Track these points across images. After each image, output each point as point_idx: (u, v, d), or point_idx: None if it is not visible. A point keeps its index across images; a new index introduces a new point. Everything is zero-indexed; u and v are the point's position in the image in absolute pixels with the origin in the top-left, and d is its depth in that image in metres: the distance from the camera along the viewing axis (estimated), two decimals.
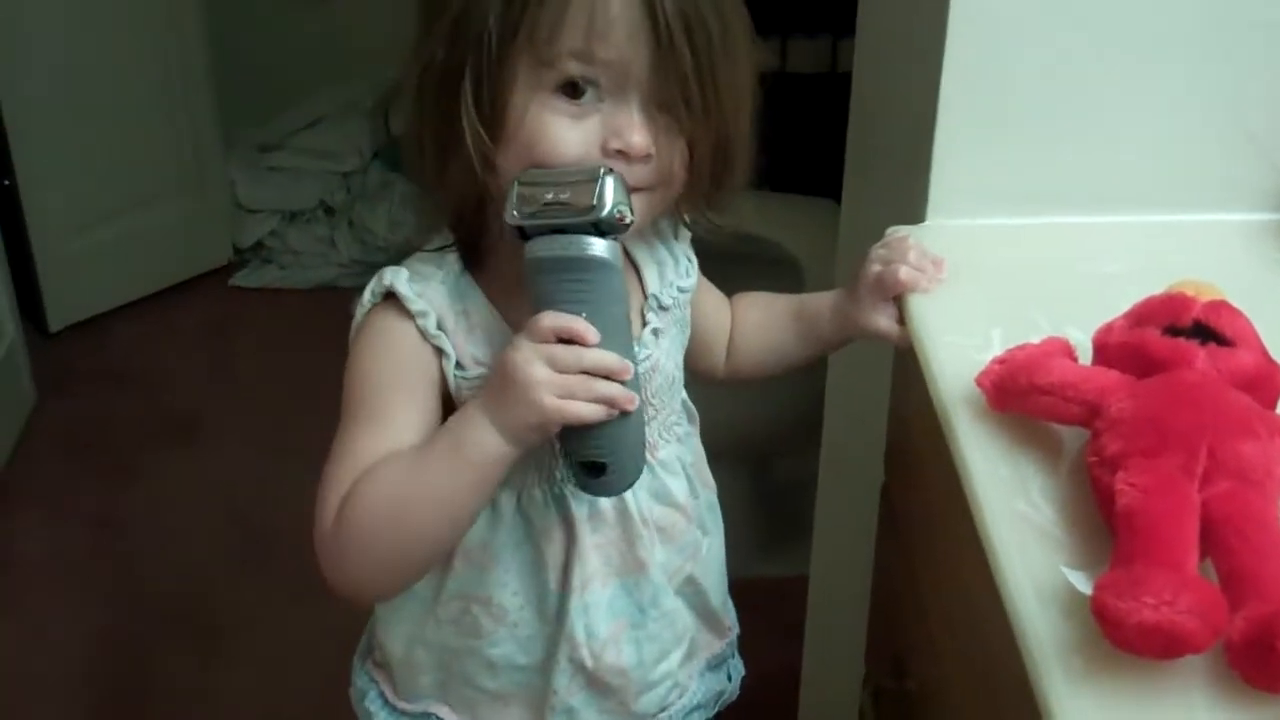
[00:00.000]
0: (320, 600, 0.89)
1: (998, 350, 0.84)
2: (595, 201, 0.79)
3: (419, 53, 0.83)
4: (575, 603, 0.94)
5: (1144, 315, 0.82)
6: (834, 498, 1.48)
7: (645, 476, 0.87)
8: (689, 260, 0.99)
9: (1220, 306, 0.81)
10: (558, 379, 0.79)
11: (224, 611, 2.07)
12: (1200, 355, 0.77)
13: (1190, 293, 0.83)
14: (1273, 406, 0.78)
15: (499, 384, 0.81)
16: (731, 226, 0.92)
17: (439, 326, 0.87)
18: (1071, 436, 0.80)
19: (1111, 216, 1.06)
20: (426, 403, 0.87)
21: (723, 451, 1.07)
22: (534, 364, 0.79)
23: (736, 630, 1.10)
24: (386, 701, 1.02)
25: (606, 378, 0.80)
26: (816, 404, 1.44)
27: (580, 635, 0.95)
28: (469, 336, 0.88)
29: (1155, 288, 0.85)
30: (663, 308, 0.95)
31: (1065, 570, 0.70)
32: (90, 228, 2.67)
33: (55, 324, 2.70)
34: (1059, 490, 0.77)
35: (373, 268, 0.91)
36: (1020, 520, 0.75)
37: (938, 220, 1.06)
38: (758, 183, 0.90)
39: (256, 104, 3.04)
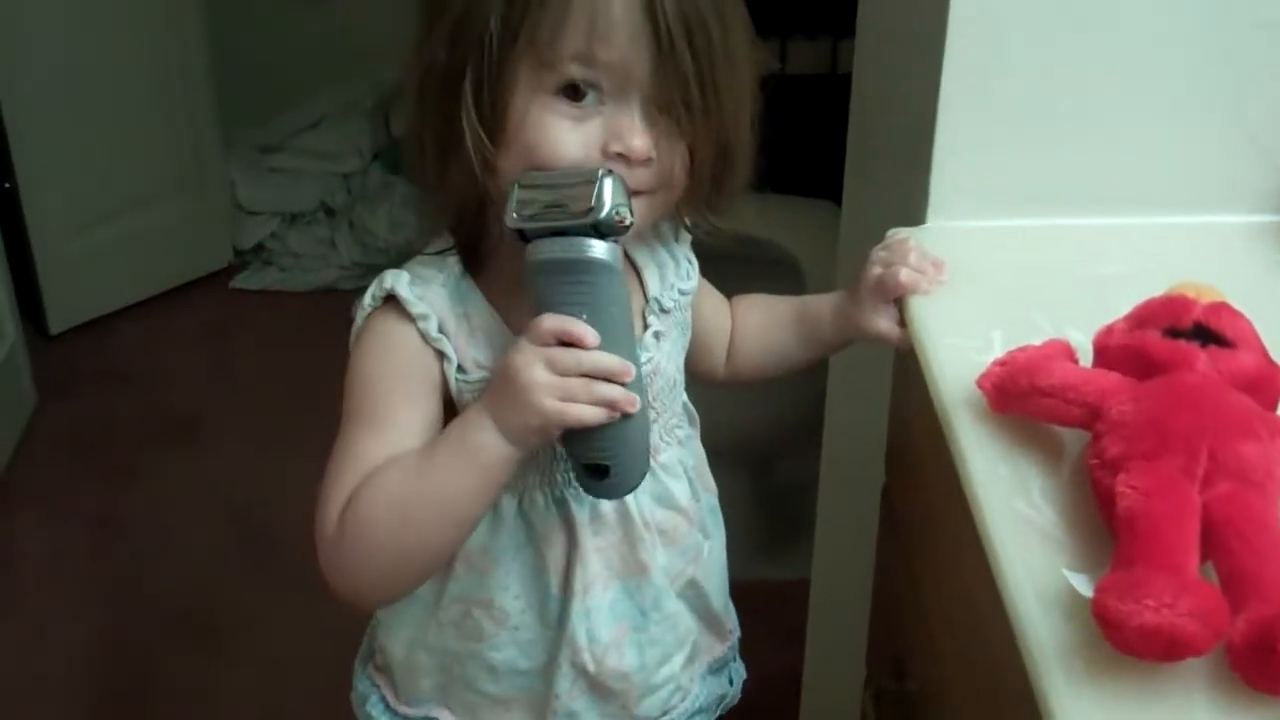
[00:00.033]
0: (320, 600, 0.89)
1: (998, 352, 0.84)
2: (594, 203, 0.79)
3: (420, 54, 0.83)
4: (577, 606, 0.94)
5: (1145, 317, 0.82)
6: (835, 500, 1.47)
7: (647, 479, 0.87)
8: (690, 263, 0.99)
9: (1221, 308, 0.81)
10: (557, 382, 0.79)
11: (224, 611, 2.07)
12: (1201, 357, 0.77)
13: (1191, 294, 0.82)
14: (1273, 408, 0.78)
15: (500, 387, 0.81)
16: (732, 228, 0.92)
17: (440, 329, 0.86)
18: (1072, 438, 0.80)
19: (1112, 218, 1.06)
20: (428, 406, 0.87)
21: (723, 454, 1.07)
22: (534, 367, 0.79)
23: (738, 633, 1.10)
24: (388, 706, 1.02)
25: (607, 380, 0.80)
26: (817, 406, 1.44)
27: (582, 639, 0.95)
28: (470, 339, 0.88)
29: (1156, 289, 0.85)
30: (664, 310, 0.95)
31: (1066, 572, 0.70)
32: (90, 228, 2.67)
33: (56, 326, 2.70)
34: (1060, 492, 0.77)
35: (373, 270, 0.91)
36: (1021, 522, 0.75)
37: (938, 222, 1.05)
38: (758, 184, 0.90)
39: (256, 104, 3.03)
